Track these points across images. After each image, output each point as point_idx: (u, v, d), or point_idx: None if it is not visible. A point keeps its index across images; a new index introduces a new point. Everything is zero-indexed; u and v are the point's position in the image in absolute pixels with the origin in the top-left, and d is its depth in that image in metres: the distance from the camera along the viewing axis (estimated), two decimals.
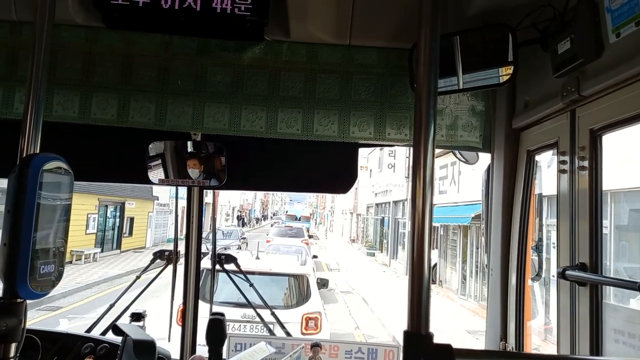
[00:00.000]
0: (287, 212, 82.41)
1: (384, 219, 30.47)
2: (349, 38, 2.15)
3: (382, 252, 29.94)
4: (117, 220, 26.22)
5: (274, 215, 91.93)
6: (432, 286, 18.61)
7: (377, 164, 32.64)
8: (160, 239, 31.90)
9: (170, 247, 3.02)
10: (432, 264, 19.39)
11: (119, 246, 26.09)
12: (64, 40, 2.14)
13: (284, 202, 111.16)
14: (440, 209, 18.30)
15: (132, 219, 27.56)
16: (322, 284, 9.18)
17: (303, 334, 6.79)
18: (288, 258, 9.61)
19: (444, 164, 18.18)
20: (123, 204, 26.44)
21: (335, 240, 48.81)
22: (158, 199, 30.97)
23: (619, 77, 1.44)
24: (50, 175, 1.18)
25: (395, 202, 27.45)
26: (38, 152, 1.24)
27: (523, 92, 2.06)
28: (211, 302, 3.14)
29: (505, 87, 2.05)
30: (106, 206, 24.72)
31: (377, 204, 34.03)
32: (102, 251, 23.32)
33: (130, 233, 27.60)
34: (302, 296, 7.34)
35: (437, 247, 19.93)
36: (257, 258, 8.07)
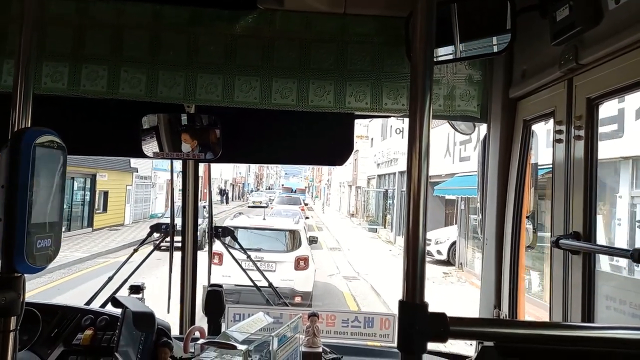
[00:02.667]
0: (283, 185, 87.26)
1: (388, 191, 28.25)
2: (344, 6, 2.11)
3: (385, 227, 27.75)
4: (88, 194, 23.01)
5: (268, 188, 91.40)
6: (451, 269, 16.53)
7: (380, 131, 30.38)
8: (141, 214, 28.84)
9: (154, 223, 3.04)
10: (450, 242, 17.35)
11: (90, 224, 22.94)
12: (53, 11, 2.09)
13: (279, 175, 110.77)
14: (461, 179, 16.02)
15: (106, 193, 24.31)
16: (313, 240, 12.73)
17: (295, 269, 9.87)
18: (286, 219, 13.07)
19: None
20: (94, 176, 23.10)
21: (333, 214, 45.73)
22: (137, 171, 27.32)
23: (617, 44, 1.42)
24: (43, 150, 1.17)
25: (402, 173, 24.51)
26: (29, 125, 1.22)
27: (520, 61, 2.04)
28: (209, 274, 3.16)
29: (502, 56, 2.02)
30: (72, 178, 21.37)
31: (379, 176, 31.22)
32: (68, 229, 20.16)
33: (105, 209, 24.40)
34: (295, 244, 10.51)
35: (456, 223, 17.80)
36: (264, 219, 11.58)
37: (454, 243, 17.38)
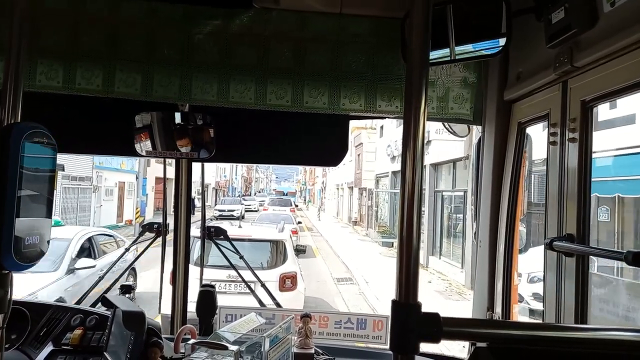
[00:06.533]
0: (275, 189, 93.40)
1: None
2: (340, 6, 2.10)
3: None
4: None
5: (258, 192, 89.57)
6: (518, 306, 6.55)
7: None
8: None
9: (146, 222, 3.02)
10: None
11: None
12: (46, 6, 2.07)
13: (269, 179, 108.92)
14: None
15: None
16: (301, 250, 10.76)
17: (280, 291, 7.71)
18: (267, 227, 10.72)
19: None
20: None
21: (331, 222, 37.63)
22: (64, 170, 19.77)
23: (612, 47, 1.43)
24: (33, 145, 1.16)
25: (435, 166, 17.15)
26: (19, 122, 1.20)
27: (515, 64, 2.04)
28: (201, 273, 3.14)
29: (497, 59, 2.02)
30: None
31: (394, 172, 23.76)
32: None
33: None
34: (280, 258, 8.46)
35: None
36: (240, 227, 9.37)
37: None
